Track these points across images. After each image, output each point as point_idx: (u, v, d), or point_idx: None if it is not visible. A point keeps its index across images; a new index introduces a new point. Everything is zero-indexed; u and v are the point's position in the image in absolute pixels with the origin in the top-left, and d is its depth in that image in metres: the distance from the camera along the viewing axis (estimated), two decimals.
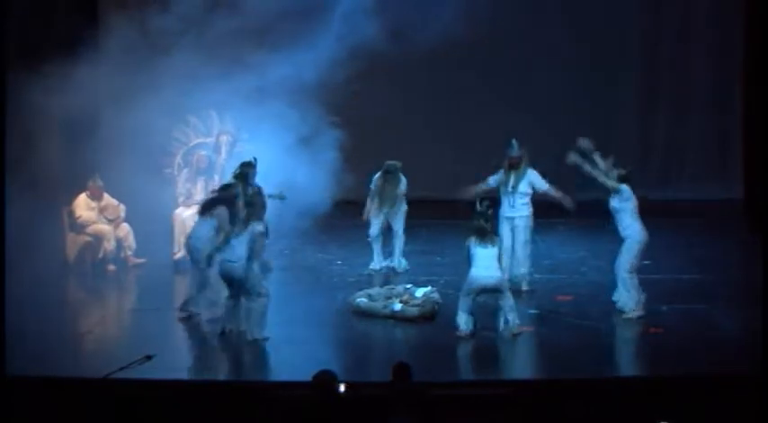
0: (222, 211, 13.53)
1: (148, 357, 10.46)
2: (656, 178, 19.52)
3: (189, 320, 13.46)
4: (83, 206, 15.91)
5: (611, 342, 12.97)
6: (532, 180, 14.52)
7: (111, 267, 15.88)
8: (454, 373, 12.13)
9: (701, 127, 19.89)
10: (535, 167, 14.64)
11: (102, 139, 15.96)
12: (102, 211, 15.99)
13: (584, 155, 13.60)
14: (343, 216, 16.46)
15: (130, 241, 16.07)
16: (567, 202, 14.37)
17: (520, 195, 14.48)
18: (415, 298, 13.60)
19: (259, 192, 13.95)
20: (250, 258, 12.72)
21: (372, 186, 15.51)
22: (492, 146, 15.20)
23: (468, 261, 12.81)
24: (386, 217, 15.54)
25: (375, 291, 14.02)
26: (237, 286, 12.82)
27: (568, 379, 11.50)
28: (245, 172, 14.12)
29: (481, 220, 12.84)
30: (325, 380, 9.46)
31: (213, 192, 14.16)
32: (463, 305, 12.81)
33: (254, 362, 12.49)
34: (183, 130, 16.27)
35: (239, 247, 12.71)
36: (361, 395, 10.19)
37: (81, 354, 12.62)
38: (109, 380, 10.38)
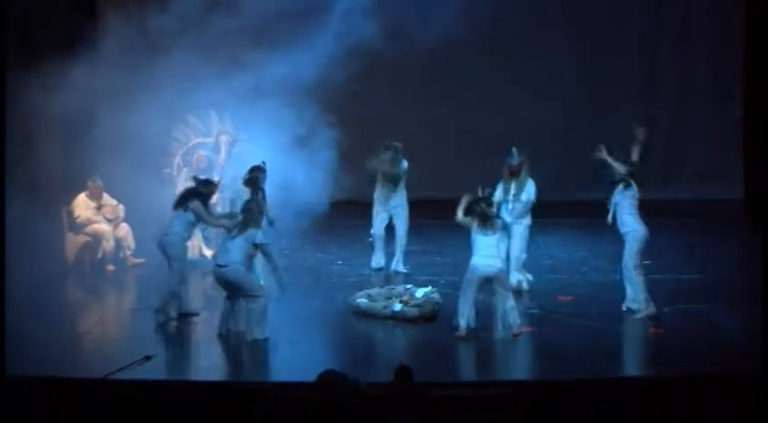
0: (197, 205, 13.48)
1: (148, 358, 10.44)
2: (656, 178, 19.43)
3: (176, 322, 13.44)
4: (82, 206, 15.89)
5: (611, 343, 12.93)
6: (529, 190, 14.42)
7: (110, 267, 15.87)
8: (454, 374, 12.12)
9: (702, 127, 19.88)
10: (535, 170, 14.58)
11: (102, 139, 15.94)
12: (101, 210, 15.97)
13: (612, 151, 13.50)
14: (343, 216, 16.39)
15: (129, 241, 16.06)
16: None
17: (520, 203, 14.36)
18: (416, 298, 13.57)
19: (261, 197, 13.80)
20: (245, 263, 12.69)
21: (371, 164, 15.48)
22: (492, 146, 15.14)
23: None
24: (389, 214, 15.53)
25: (375, 291, 13.99)
26: (233, 289, 12.78)
27: (569, 379, 11.46)
28: (255, 177, 13.93)
29: (483, 204, 12.72)
30: (329, 379, 9.41)
31: (191, 185, 14.03)
32: (464, 299, 12.69)
33: (253, 362, 12.48)
34: (183, 129, 16.23)
35: (234, 252, 12.66)
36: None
37: (80, 354, 12.59)
38: (108, 381, 10.34)
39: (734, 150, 19.07)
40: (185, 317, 13.56)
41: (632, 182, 13.33)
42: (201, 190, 13.73)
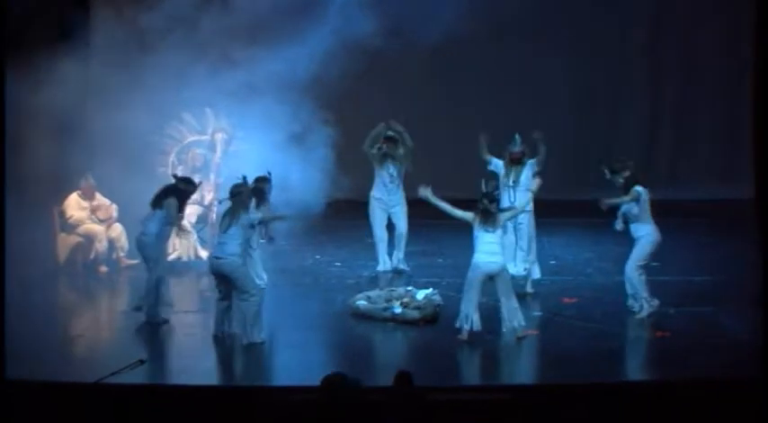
0: (172, 201, 13.24)
1: (141, 362, 10.33)
2: (663, 178, 19.43)
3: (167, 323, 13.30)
4: (74, 206, 15.77)
5: (616, 345, 12.81)
6: (528, 172, 14.28)
7: (103, 268, 15.74)
8: (456, 378, 12.01)
9: (710, 126, 19.87)
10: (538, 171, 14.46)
11: (94, 137, 15.81)
12: (94, 210, 15.85)
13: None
14: (342, 216, 16.27)
15: (123, 242, 15.90)
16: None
17: (522, 190, 14.19)
18: (416, 300, 13.46)
19: (244, 182, 13.43)
20: (242, 256, 12.50)
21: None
22: (492, 145, 15.01)
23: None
24: (386, 214, 15.47)
25: (375, 293, 13.86)
26: (227, 284, 12.56)
27: (573, 383, 11.32)
28: (260, 187, 13.62)
29: (485, 200, 12.55)
30: (334, 382, 9.24)
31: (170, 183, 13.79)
32: (468, 300, 12.50)
33: (250, 366, 12.34)
34: (177, 127, 16.16)
35: (230, 243, 12.45)
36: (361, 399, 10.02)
37: (72, 357, 12.47)
38: (101, 385, 10.21)
39: (743, 150, 18.97)
40: (153, 323, 13.28)
41: (641, 190, 13.20)
42: (181, 187, 13.48)
